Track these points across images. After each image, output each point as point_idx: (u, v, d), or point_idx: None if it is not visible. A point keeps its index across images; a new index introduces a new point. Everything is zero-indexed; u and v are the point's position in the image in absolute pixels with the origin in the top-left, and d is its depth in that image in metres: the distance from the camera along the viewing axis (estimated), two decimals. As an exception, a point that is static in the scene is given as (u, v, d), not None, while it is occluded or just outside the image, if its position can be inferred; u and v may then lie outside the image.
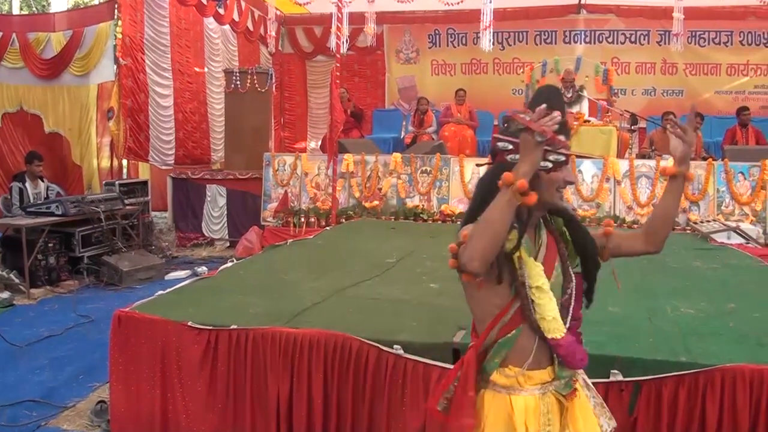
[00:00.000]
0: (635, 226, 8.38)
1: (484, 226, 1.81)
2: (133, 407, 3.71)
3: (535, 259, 2.03)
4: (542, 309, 1.98)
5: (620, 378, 3.01)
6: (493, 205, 1.80)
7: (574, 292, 2.09)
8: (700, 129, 10.61)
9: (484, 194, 1.96)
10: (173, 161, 11.12)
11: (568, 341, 2.00)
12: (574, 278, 2.10)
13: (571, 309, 2.09)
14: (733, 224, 7.79)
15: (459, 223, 2.14)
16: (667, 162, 1.59)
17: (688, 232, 8.08)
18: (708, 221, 8.06)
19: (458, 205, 8.96)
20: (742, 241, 7.48)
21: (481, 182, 2.09)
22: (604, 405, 2.27)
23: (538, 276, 1.98)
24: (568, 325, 2.05)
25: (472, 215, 2.00)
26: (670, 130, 2.13)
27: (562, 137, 1.94)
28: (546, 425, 2.03)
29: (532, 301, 1.98)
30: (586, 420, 2.11)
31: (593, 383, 2.96)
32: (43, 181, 8.62)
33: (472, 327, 2.16)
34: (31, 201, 8.26)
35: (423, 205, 9.14)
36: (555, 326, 1.99)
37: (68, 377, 5.03)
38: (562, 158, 1.97)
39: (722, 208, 8.38)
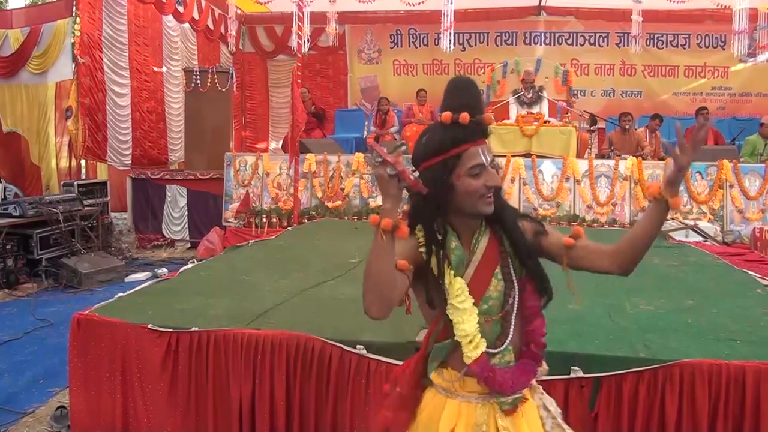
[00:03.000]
0: (594, 225, 8.49)
1: (369, 279, 1.72)
2: (93, 412, 3.65)
3: (466, 269, 1.95)
4: (457, 329, 1.90)
5: (580, 374, 3.03)
6: (371, 253, 1.71)
7: (517, 300, 1.97)
8: (659, 129, 10.80)
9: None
10: (130, 161, 10.97)
11: (479, 366, 1.90)
12: (517, 285, 1.97)
13: (513, 318, 1.97)
14: (691, 223, 7.92)
15: None
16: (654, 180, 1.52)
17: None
18: (666, 220, 8.18)
19: (421, 204, 8.98)
20: (700, 239, 7.61)
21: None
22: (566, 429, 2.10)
23: (455, 293, 1.90)
24: (510, 338, 1.95)
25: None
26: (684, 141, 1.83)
27: (411, 170, 1.71)
28: None
29: (450, 319, 1.91)
30: None
31: (552, 380, 3.01)
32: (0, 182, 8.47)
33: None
34: (-13, 202, 8.12)
35: (386, 205, 9.12)
36: (468, 349, 1.90)
37: (28, 382, 4.93)
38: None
39: (680, 206, 8.52)
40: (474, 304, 1.90)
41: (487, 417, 1.94)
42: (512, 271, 1.98)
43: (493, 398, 1.94)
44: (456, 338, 1.91)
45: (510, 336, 1.95)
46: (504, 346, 1.95)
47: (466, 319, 1.89)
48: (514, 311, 1.96)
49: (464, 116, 1.85)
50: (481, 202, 1.90)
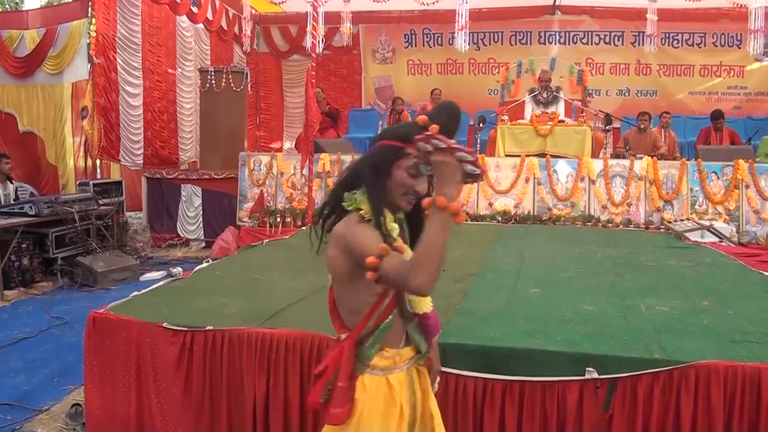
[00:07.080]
0: (609, 225, 8.45)
1: (434, 255, 1.83)
2: (108, 410, 3.67)
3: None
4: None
5: (595, 376, 3.02)
6: (433, 233, 1.82)
7: None
8: (669, 127, 10.77)
9: (374, 173, 2.10)
10: (142, 161, 11.00)
11: (435, 313, 2.25)
12: None
13: None
14: (707, 223, 7.86)
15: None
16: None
17: (662, 230, 8.15)
18: (682, 220, 8.13)
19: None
20: (716, 239, 7.54)
21: (370, 161, 2.14)
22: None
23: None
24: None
25: (344, 187, 2.15)
26: None
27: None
28: (412, 396, 2.22)
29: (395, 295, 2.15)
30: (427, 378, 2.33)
31: (568, 381, 3.01)
32: (11, 182, 8.52)
33: (338, 321, 2.21)
34: (1, 203, 8.16)
35: (399, 205, 9.11)
36: (426, 301, 2.21)
37: (43, 380, 4.96)
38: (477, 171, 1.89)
39: (696, 207, 8.46)
40: None
41: (414, 376, 2.24)
42: None
43: (413, 360, 2.25)
44: (408, 307, 2.19)
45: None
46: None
47: None
48: None
49: (433, 128, 1.93)
50: (402, 199, 2.11)
